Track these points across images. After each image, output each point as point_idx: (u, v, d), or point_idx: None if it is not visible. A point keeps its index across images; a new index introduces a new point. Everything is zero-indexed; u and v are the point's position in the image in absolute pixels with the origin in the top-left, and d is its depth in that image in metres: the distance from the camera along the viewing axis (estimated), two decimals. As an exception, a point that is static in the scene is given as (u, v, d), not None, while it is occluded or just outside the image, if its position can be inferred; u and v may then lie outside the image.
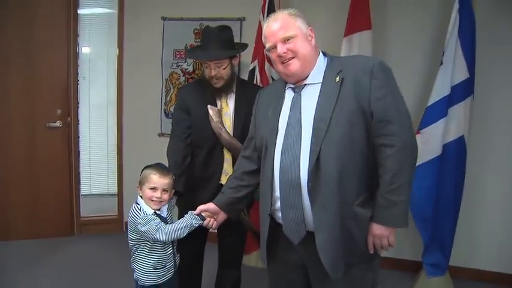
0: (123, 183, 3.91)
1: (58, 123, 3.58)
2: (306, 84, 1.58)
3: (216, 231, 2.09)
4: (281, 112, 1.60)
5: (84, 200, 3.89)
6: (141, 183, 1.94)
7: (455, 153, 2.78)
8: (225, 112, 2.22)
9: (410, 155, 1.48)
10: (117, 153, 3.90)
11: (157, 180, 1.90)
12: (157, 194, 1.89)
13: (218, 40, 2.17)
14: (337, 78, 1.50)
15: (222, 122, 2.14)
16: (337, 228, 1.47)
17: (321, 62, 1.59)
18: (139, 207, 1.89)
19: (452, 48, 2.70)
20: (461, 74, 2.72)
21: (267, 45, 1.60)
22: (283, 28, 1.55)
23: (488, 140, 3.01)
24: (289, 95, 1.62)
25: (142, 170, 1.98)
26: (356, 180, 1.48)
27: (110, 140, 3.92)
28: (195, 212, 1.87)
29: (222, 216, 1.85)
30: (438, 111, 2.73)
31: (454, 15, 2.68)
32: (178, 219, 1.96)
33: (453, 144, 2.77)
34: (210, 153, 2.22)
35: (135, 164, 3.87)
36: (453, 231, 2.87)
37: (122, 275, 2.94)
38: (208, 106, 2.15)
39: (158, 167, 1.96)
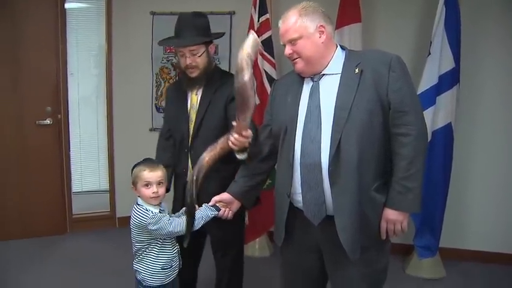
0: (115, 178, 3.86)
1: (48, 121, 3.52)
2: (324, 74, 1.64)
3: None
4: (300, 99, 1.66)
5: (76, 197, 3.85)
6: (134, 184, 1.85)
7: (443, 140, 2.90)
8: (192, 105, 2.13)
9: (424, 142, 1.58)
10: (108, 149, 3.85)
11: (149, 175, 1.83)
12: (153, 188, 1.82)
13: (192, 27, 2.04)
14: (357, 70, 1.57)
15: (251, 56, 1.60)
16: (355, 211, 1.54)
17: (339, 54, 1.65)
18: (144, 207, 1.81)
19: (439, 39, 2.81)
20: (448, 64, 2.84)
21: (281, 43, 1.67)
22: (287, 31, 1.61)
23: (474, 126, 3.15)
24: (307, 83, 1.67)
25: (132, 169, 1.88)
26: (373, 166, 1.56)
27: (100, 136, 3.89)
28: (209, 204, 1.86)
29: (236, 205, 1.86)
30: (427, 99, 2.82)
31: (440, 7, 2.80)
32: None
33: (441, 131, 2.90)
34: (180, 147, 2.16)
35: (127, 159, 3.85)
36: (442, 214, 3.00)
37: (117, 271, 2.98)
38: (251, 31, 1.77)
39: (147, 162, 1.89)
